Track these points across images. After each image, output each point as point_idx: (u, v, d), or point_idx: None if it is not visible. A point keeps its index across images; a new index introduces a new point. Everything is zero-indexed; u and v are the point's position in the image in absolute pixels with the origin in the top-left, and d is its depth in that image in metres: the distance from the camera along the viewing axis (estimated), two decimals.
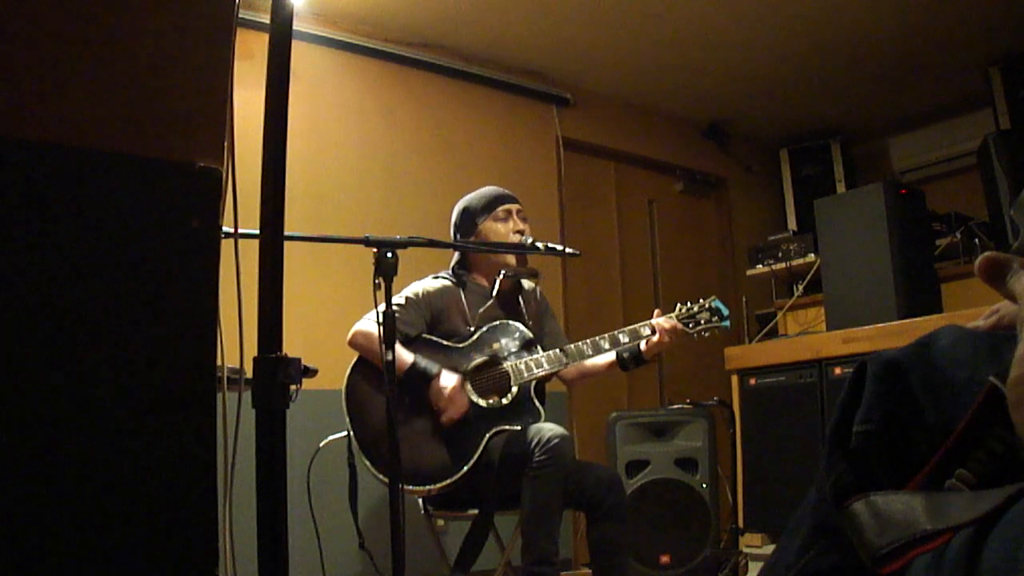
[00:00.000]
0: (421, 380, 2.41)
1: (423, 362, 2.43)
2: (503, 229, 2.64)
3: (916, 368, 0.55)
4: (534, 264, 2.83)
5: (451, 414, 2.39)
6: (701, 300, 2.61)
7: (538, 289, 2.81)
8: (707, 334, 2.60)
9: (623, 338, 2.54)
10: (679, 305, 2.62)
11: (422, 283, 2.63)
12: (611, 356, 2.62)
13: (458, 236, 2.71)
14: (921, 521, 0.48)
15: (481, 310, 2.59)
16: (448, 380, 2.41)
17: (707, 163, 5.17)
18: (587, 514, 2.46)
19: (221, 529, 1.20)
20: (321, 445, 2.51)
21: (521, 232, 2.64)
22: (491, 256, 2.68)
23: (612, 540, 2.39)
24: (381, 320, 1.92)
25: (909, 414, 0.54)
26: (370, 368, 2.46)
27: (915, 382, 0.54)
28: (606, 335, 2.54)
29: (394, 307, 2.47)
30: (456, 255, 2.74)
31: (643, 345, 2.56)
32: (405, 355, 2.42)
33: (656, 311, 2.59)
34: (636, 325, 2.56)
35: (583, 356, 2.52)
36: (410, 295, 2.57)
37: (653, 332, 2.53)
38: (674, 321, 2.56)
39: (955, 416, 0.50)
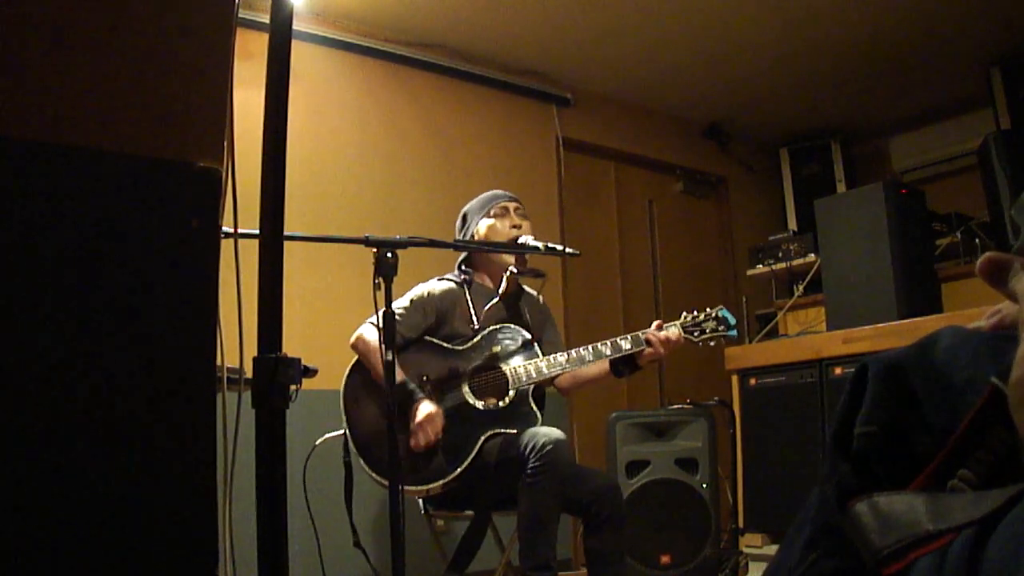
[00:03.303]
0: (408, 398, 2.39)
1: (412, 384, 2.41)
2: (499, 225, 2.64)
3: (917, 369, 0.55)
4: (532, 261, 2.82)
5: (418, 440, 2.37)
6: (708, 309, 2.58)
7: (541, 297, 2.80)
8: (713, 343, 2.57)
9: (625, 344, 2.50)
10: (684, 313, 2.59)
11: (427, 285, 2.62)
12: (605, 364, 2.58)
13: (459, 237, 2.71)
14: (923, 522, 0.48)
15: (486, 308, 2.59)
16: (424, 410, 2.37)
17: (707, 163, 5.16)
18: (584, 523, 2.45)
19: (221, 529, 1.20)
20: (317, 443, 2.51)
21: (518, 227, 2.63)
22: (494, 256, 2.68)
23: (609, 549, 2.38)
24: (380, 320, 1.92)
25: (911, 416, 0.54)
26: (368, 371, 2.46)
27: (917, 383, 0.54)
28: (607, 341, 2.51)
29: (399, 310, 2.48)
30: (462, 254, 2.74)
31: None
32: (398, 374, 2.39)
33: (657, 322, 2.55)
34: (638, 332, 2.53)
35: (583, 362, 2.50)
36: (415, 297, 2.56)
37: (650, 343, 2.50)
38: (675, 331, 2.53)
39: (957, 417, 0.50)
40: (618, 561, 2.41)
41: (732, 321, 2.58)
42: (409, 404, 2.39)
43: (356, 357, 2.50)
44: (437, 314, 2.56)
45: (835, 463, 0.55)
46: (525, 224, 2.67)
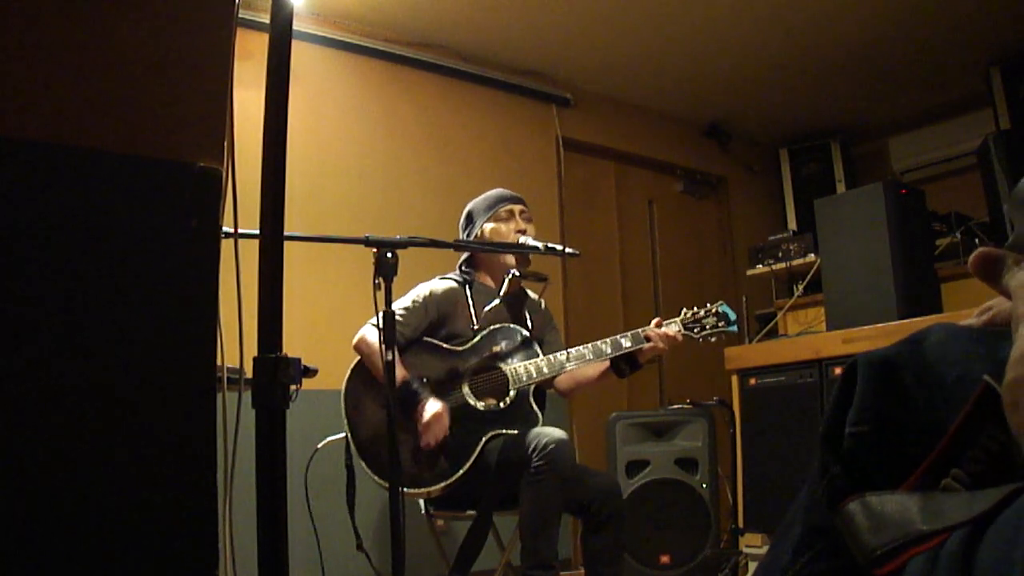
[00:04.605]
0: (412, 398, 2.40)
1: (415, 383, 2.41)
2: (504, 229, 2.63)
3: (908, 366, 0.55)
4: (535, 264, 2.81)
5: (428, 439, 2.37)
6: (708, 304, 2.57)
7: (543, 301, 2.80)
8: (714, 339, 2.56)
9: (625, 342, 2.49)
10: (684, 310, 2.58)
11: (429, 285, 2.62)
12: (604, 364, 2.57)
13: (463, 237, 2.71)
14: (916, 521, 0.48)
15: (487, 310, 2.58)
16: (431, 409, 2.37)
17: (707, 163, 5.17)
18: (584, 522, 2.45)
19: (221, 529, 1.21)
20: (319, 446, 2.51)
21: (523, 232, 2.63)
22: (496, 257, 2.67)
23: (608, 549, 2.38)
24: (380, 320, 1.92)
25: (902, 413, 0.54)
26: (369, 373, 2.46)
27: (907, 381, 0.54)
28: (607, 339, 2.50)
29: (400, 310, 2.47)
30: (464, 254, 2.74)
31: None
32: (400, 373, 2.40)
33: (657, 319, 2.55)
34: (638, 330, 2.52)
35: (584, 360, 2.49)
36: (416, 298, 2.56)
37: (649, 339, 2.49)
38: (674, 329, 2.52)
39: (948, 415, 0.50)
40: (616, 562, 2.40)
41: (732, 316, 2.56)
42: (414, 403, 2.38)
43: (356, 359, 2.49)
44: (438, 314, 2.56)
45: (825, 463, 0.55)
46: (530, 228, 2.66)
